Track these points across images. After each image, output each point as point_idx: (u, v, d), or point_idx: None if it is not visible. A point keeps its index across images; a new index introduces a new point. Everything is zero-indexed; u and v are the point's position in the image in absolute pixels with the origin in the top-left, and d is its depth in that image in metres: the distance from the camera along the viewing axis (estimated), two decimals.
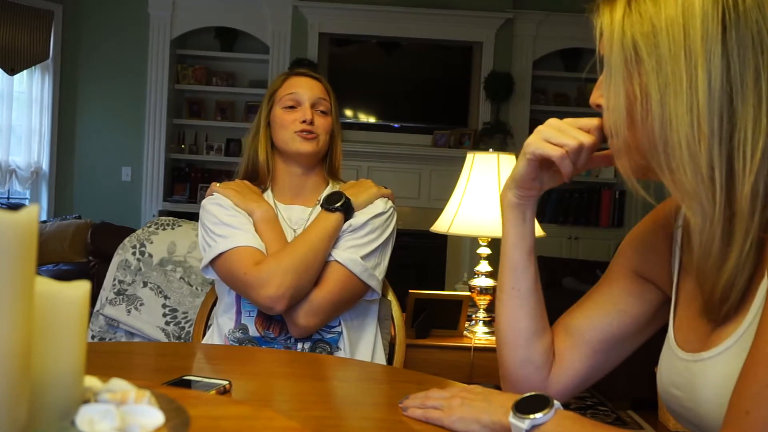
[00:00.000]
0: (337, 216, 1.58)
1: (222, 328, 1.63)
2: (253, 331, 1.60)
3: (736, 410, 0.73)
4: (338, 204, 1.58)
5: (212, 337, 1.66)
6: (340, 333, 1.61)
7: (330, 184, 1.75)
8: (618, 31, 0.82)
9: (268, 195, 1.71)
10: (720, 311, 0.83)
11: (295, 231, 1.65)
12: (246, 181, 1.70)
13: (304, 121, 1.65)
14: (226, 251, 1.54)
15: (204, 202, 1.66)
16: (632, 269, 1.03)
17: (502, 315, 1.05)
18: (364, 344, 1.65)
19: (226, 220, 1.59)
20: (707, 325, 0.87)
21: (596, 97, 0.88)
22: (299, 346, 1.59)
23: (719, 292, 0.81)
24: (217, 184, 1.67)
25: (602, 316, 1.04)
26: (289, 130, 1.66)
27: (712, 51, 0.74)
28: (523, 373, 1.04)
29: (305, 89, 1.69)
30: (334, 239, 1.57)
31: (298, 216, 1.68)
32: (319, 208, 1.64)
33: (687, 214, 0.80)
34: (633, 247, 1.04)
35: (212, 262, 1.58)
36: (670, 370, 0.91)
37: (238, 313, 1.61)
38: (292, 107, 1.68)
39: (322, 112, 1.69)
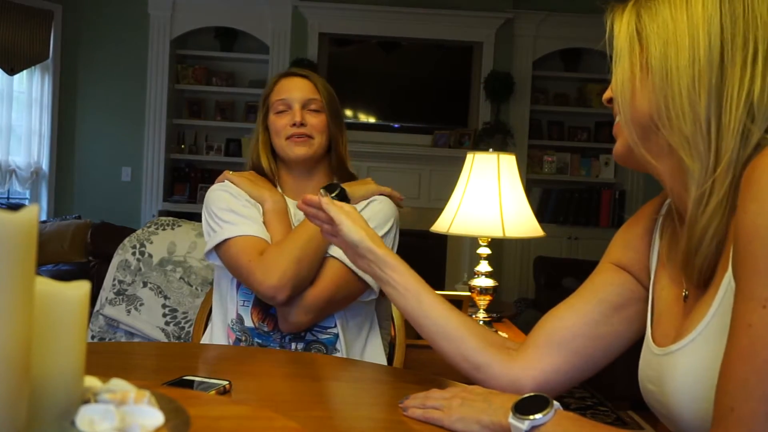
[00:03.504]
0: None
1: (223, 319, 1.62)
2: (248, 321, 1.59)
3: (721, 409, 0.74)
4: (333, 194, 1.55)
5: (211, 338, 1.66)
6: (336, 335, 1.60)
7: (335, 180, 1.72)
8: (626, 19, 0.91)
9: None
10: (695, 276, 0.85)
11: None
12: (256, 173, 1.70)
13: (294, 124, 1.64)
14: (232, 238, 1.54)
15: (213, 187, 1.65)
16: (614, 261, 1.06)
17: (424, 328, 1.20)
18: (360, 345, 1.64)
19: (234, 208, 1.58)
20: (677, 319, 0.89)
21: (606, 93, 0.96)
22: (293, 346, 1.58)
23: (701, 258, 0.84)
24: (230, 172, 1.67)
25: (583, 305, 1.06)
26: (282, 135, 1.66)
27: (712, 16, 0.83)
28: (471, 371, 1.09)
29: (294, 91, 1.67)
30: None
31: None
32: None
33: (686, 160, 0.84)
34: (617, 240, 1.08)
35: (217, 248, 1.57)
36: (646, 366, 0.94)
37: (233, 303, 1.61)
38: (283, 111, 1.67)
39: (314, 110, 1.67)
